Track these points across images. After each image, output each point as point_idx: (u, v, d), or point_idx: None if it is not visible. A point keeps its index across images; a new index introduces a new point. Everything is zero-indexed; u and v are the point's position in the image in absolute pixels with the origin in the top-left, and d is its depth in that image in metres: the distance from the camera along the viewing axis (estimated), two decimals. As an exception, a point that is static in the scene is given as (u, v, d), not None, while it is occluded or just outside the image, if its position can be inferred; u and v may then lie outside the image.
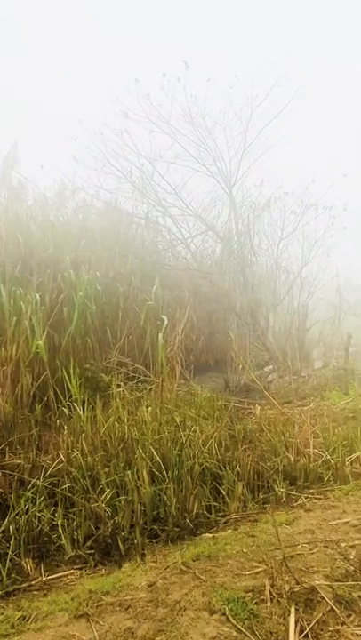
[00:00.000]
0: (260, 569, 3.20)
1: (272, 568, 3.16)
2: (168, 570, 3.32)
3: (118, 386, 6.63)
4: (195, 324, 9.71)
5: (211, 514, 4.10)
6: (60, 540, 3.78)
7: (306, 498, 4.33)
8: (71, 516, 3.97)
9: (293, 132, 9.64)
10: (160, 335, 6.47)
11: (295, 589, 2.94)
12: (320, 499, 4.31)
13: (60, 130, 9.45)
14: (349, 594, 2.91)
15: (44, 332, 6.93)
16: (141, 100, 8.76)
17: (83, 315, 7.39)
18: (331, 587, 2.96)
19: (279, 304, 10.59)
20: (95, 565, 3.65)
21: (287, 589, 2.94)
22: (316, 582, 3.00)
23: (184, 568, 3.30)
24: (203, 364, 9.98)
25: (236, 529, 3.81)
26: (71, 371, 5.66)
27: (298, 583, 2.99)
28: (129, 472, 4.25)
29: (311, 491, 4.50)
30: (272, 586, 2.99)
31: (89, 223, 9.46)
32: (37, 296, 6.69)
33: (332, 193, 10.41)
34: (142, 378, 7.88)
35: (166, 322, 6.74)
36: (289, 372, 8.96)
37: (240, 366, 9.23)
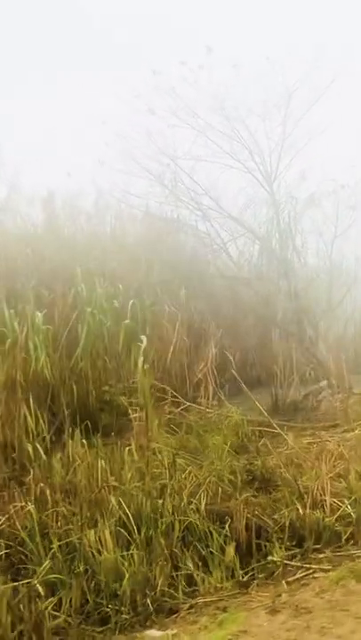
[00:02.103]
0: None
1: None
2: None
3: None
4: (237, 337, 8.85)
5: (178, 592, 3.29)
6: None
7: (309, 569, 3.41)
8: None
9: (338, 120, 8.48)
10: (140, 359, 5.70)
11: None
12: (327, 570, 3.38)
13: (80, 130, 8.73)
14: None
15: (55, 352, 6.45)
16: (163, 94, 8.06)
17: (97, 333, 6.77)
18: None
19: (336, 309, 9.50)
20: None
21: None
22: None
23: None
24: (251, 380, 9.09)
25: (194, 622, 2.98)
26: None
27: None
28: (92, 531, 3.54)
29: (321, 556, 3.58)
30: None
31: (117, 230, 8.89)
32: (40, 314, 6.14)
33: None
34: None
35: (145, 343, 5.94)
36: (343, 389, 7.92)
37: (286, 382, 8.28)
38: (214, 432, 6.18)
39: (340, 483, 4.18)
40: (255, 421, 6.86)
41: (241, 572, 3.47)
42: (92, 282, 6.90)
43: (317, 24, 8.86)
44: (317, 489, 3.94)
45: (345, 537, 3.66)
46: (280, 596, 3.14)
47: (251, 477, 4.80)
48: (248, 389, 9.02)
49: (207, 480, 4.12)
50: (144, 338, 6.20)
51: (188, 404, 7.15)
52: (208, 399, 7.49)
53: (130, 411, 6.23)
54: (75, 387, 6.10)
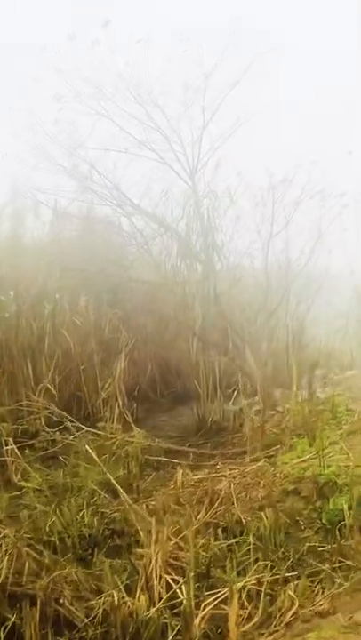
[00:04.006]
0: None
1: None
2: None
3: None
4: (159, 348, 7.98)
5: None
6: None
7: None
8: None
9: (268, 101, 7.64)
10: None
11: None
12: None
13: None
14: None
15: None
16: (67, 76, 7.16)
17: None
18: None
19: (272, 316, 8.64)
20: None
21: None
22: None
23: None
24: (176, 396, 8.22)
25: None
26: None
27: None
28: None
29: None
30: None
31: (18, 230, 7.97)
32: None
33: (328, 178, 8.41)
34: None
35: None
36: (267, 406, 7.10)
37: (209, 399, 7.43)
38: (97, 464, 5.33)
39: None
40: (159, 449, 6.03)
41: None
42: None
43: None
44: (156, 559, 3.05)
45: (172, 635, 2.78)
46: None
47: (110, 532, 3.95)
48: (171, 407, 8.25)
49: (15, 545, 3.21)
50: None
51: (87, 428, 6.29)
52: (113, 422, 6.62)
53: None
54: None
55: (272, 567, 3.20)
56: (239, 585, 2.78)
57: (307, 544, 3.50)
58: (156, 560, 2.95)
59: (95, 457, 5.27)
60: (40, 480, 4.82)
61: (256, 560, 3.26)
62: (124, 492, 4.06)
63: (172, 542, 3.19)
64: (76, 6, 7.54)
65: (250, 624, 2.65)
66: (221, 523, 3.89)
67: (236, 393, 7.36)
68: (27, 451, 5.51)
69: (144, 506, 4.27)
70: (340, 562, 3.20)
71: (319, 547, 3.52)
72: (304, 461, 4.62)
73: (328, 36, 9.05)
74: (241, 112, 7.76)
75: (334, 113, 9.48)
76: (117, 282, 7.64)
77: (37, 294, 7.02)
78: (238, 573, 3.12)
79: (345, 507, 3.51)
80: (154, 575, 2.85)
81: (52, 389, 6.54)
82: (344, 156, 9.10)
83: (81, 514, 4.13)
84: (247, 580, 2.88)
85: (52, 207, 7.95)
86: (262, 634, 2.61)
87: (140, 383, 7.43)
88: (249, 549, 3.38)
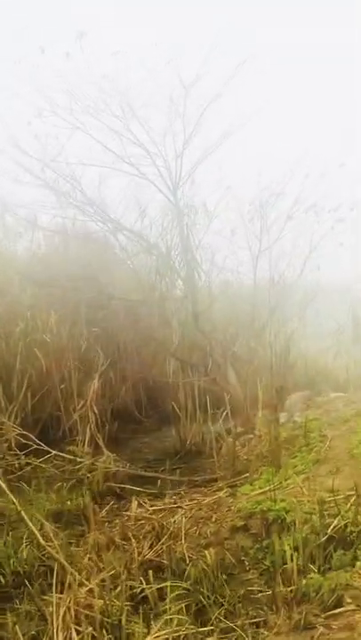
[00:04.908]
0: None
1: None
2: None
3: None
4: (139, 367, 7.78)
5: None
6: None
7: None
8: None
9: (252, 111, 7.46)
10: None
11: None
12: None
13: None
14: None
15: None
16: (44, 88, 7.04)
17: None
18: None
19: (260, 335, 8.38)
20: None
21: None
22: None
23: None
24: (157, 416, 8.01)
25: None
26: None
27: None
28: None
29: None
30: None
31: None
32: None
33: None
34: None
35: None
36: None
37: (189, 420, 7.19)
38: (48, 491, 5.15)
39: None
40: (124, 475, 5.80)
41: None
42: None
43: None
44: (68, 607, 2.81)
45: None
46: None
47: (45, 569, 3.74)
48: (157, 428, 8.02)
49: None
50: None
51: (54, 452, 6.09)
52: (84, 445, 6.42)
53: None
54: None
55: (199, 614, 2.95)
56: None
57: (246, 588, 3.24)
58: (68, 608, 2.72)
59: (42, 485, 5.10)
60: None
61: (186, 608, 3.01)
62: (50, 526, 3.81)
63: (87, 588, 2.94)
64: (50, 19, 7.47)
65: None
66: (164, 561, 3.65)
67: (216, 414, 7.11)
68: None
69: (90, 539, 4.03)
70: (271, 611, 2.94)
71: (259, 592, 3.26)
72: (263, 493, 4.35)
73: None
74: (226, 123, 7.60)
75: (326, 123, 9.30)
76: (96, 298, 7.45)
77: (9, 310, 6.88)
78: (166, 622, 2.88)
79: (287, 548, 3.25)
80: (58, 626, 2.61)
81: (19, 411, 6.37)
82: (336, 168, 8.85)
83: (21, 548, 3.92)
84: (159, 634, 2.63)
85: (30, 221, 7.81)
86: None
87: (126, 402, 7.24)
88: (180, 594, 3.14)
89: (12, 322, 6.89)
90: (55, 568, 3.30)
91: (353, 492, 3.75)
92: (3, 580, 3.61)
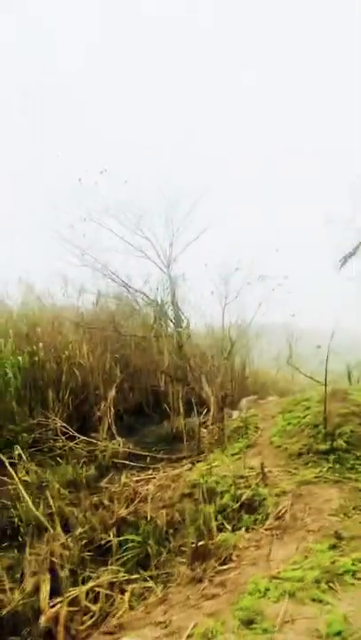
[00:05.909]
0: None
1: None
2: None
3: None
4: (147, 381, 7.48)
5: None
6: None
7: None
8: None
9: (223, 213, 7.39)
10: None
11: None
12: None
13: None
14: None
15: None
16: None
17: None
18: None
19: (226, 359, 8.07)
20: None
21: None
22: None
23: None
24: (160, 414, 7.66)
25: None
26: None
27: None
28: None
29: None
30: None
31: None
32: None
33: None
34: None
35: None
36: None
37: (174, 416, 6.84)
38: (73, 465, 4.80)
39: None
40: (125, 453, 5.42)
41: None
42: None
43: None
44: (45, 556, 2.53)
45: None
46: None
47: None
48: (160, 420, 7.67)
49: None
50: None
51: (80, 437, 5.80)
52: (104, 433, 6.13)
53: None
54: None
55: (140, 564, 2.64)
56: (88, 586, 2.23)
57: (181, 541, 2.90)
58: (45, 557, 2.45)
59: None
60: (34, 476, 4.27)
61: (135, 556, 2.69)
62: (56, 491, 3.52)
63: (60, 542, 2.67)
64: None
65: (85, 625, 2.09)
66: (131, 518, 3.31)
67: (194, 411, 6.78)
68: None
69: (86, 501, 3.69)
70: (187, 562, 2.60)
71: (192, 543, 2.91)
72: (210, 469, 4.00)
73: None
74: (202, 224, 7.54)
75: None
76: (116, 335, 7.26)
77: (60, 343, 6.71)
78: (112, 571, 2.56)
79: (211, 511, 2.91)
80: (30, 570, 2.34)
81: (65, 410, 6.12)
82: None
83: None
84: (101, 580, 2.32)
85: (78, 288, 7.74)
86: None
87: (138, 402, 6.94)
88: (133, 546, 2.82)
89: (61, 351, 6.74)
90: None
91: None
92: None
